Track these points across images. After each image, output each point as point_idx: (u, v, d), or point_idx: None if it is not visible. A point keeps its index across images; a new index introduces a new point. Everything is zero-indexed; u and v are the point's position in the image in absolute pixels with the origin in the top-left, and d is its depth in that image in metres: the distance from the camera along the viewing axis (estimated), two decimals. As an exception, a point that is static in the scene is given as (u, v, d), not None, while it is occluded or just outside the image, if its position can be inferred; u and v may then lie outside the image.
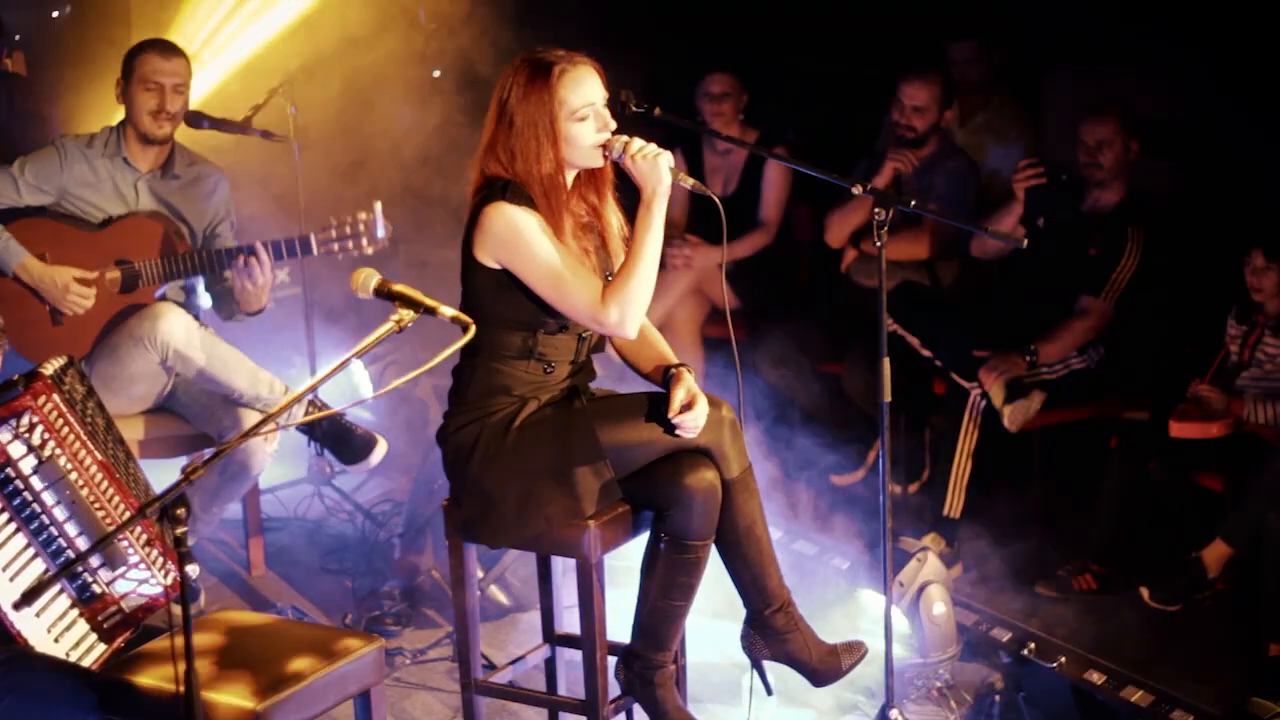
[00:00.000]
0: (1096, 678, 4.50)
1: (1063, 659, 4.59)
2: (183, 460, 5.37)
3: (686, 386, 3.85)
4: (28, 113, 6.35)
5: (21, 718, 3.47)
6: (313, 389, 3.34)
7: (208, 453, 5.30)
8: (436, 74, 7.16)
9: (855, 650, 4.08)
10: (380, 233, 5.10)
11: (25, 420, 3.66)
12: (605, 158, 3.84)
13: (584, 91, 3.80)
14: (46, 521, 3.68)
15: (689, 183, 3.86)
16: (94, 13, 6.50)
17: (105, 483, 3.75)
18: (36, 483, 3.68)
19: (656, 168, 3.78)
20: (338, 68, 6.61)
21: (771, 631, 4.02)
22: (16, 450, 3.66)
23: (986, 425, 5.57)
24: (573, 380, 3.95)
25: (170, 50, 5.32)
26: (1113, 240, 5.61)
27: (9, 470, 3.65)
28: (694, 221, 6.55)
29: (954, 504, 5.59)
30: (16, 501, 3.65)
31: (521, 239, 3.75)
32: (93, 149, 5.25)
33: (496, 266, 3.80)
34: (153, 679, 3.54)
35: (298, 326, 6.33)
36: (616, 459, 3.81)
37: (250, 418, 5.15)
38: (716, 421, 3.88)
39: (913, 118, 6.08)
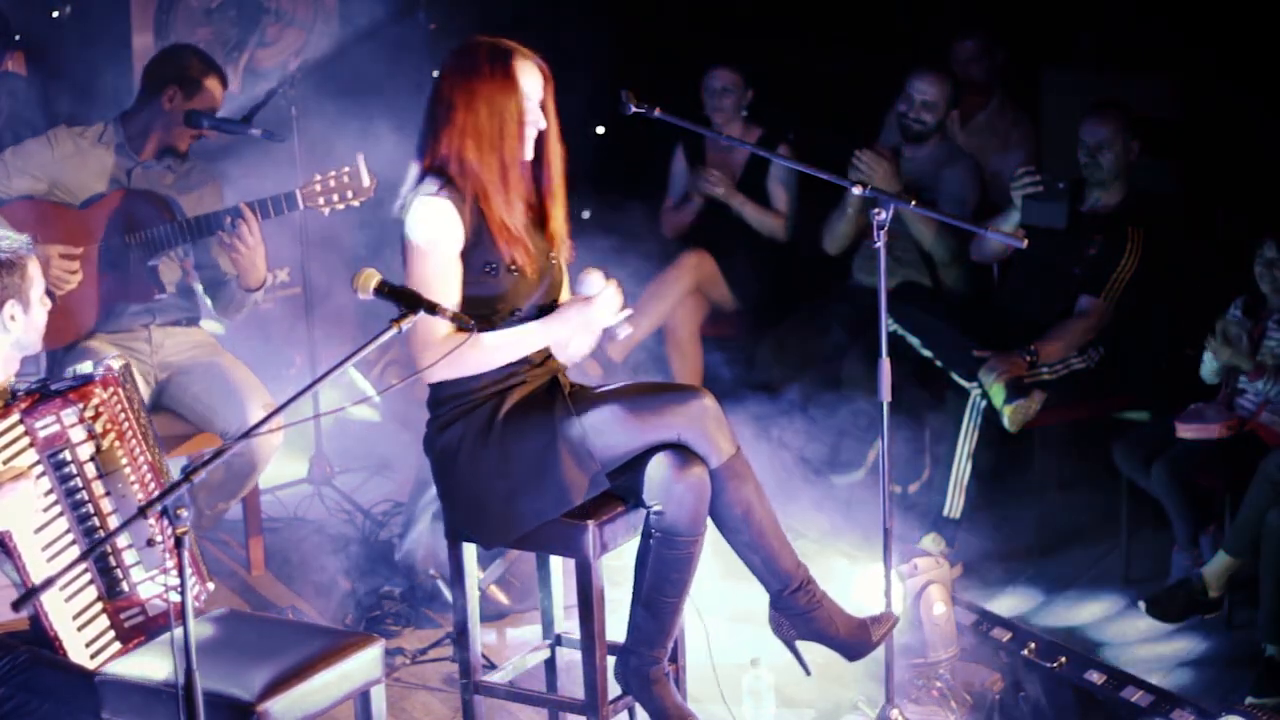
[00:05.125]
0: (1096, 678, 4.49)
1: (1063, 659, 4.59)
2: (183, 460, 5.37)
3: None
4: (27, 113, 6.34)
5: (26, 714, 3.48)
6: (313, 387, 3.34)
7: (207, 452, 5.29)
8: (436, 74, 7.16)
9: (884, 621, 4.07)
10: (365, 183, 5.07)
11: (92, 407, 3.68)
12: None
13: (531, 82, 3.85)
14: (91, 510, 3.69)
15: (623, 334, 3.96)
16: (94, 12, 6.50)
17: (154, 484, 3.76)
18: (90, 470, 3.69)
19: (587, 330, 3.89)
20: (338, 67, 6.62)
21: (795, 611, 4.00)
22: (77, 435, 3.67)
23: (986, 425, 5.57)
24: (543, 366, 3.95)
25: (224, 79, 5.37)
26: (1113, 241, 5.61)
27: (66, 453, 3.66)
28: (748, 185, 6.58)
29: (954, 504, 5.59)
30: (68, 485, 3.66)
31: (411, 240, 3.79)
32: (85, 139, 5.23)
33: None
34: (153, 678, 3.55)
35: (298, 326, 6.33)
36: (601, 449, 3.80)
37: (255, 415, 5.15)
38: (698, 411, 3.86)
39: (921, 112, 6.10)
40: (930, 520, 5.61)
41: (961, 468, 5.58)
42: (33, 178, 5.18)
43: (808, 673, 4.11)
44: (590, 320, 3.92)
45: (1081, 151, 5.66)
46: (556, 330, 3.91)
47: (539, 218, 3.98)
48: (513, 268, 3.86)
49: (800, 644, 4.07)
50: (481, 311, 3.83)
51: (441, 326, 3.74)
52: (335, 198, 5.08)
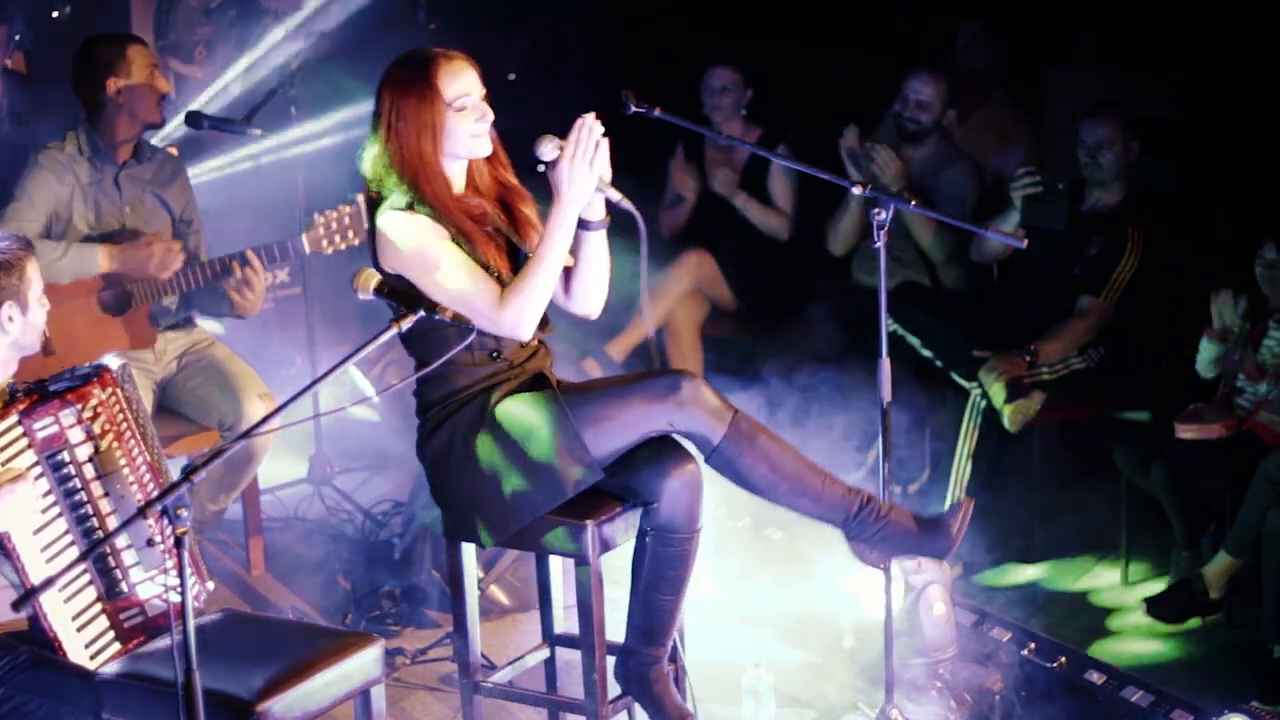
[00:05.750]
0: (1096, 678, 4.49)
1: (1063, 659, 4.59)
2: (183, 460, 5.37)
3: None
4: (26, 111, 6.35)
5: (26, 714, 3.48)
6: (313, 387, 3.34)
7: (207, 451, 5.30)
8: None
9: (959, 512, 3.98)
10: (366, 223, 5.09)
11: (90, 408, 3.68)
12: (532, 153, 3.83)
13: (460, 83, 3.82)
14: (90, 511, 3.69)
15: (614, 195, 3.84)
16: (94, 12, 6.49)
17: (152, 485, 3.76)
18: (89, 471, 3.69)
19: (589, 180, 3.78)
20: (338, 67, 6.62)
21: (869, 535, 3.94)
22: (76, 435, 3.67)
23: (986, 425, 5.56)
24: (529, 363, 3.94)
25: (138, 39, 5.40)
26: (1113, 241, 5.61)
27: (64, 454, 3.66)
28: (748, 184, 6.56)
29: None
30: (67, 485, 3.65)
31: (409, 247, 3.77)
32: (67, 154, 5.20)
33: (398, 272, 3.81)
34: (153, 678, 3.54)
35: (298, 326, 6.33)
36: (593, 442, 3.79)
37: (251, 406, 5.18)
38: (684, 396, 3.83)
39: (916, 111, 6.11)
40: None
41: (961, 468, 5.58)
42: (44, 213, 5.16)
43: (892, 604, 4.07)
44: (576, 176, 3.75)
45: (1081, 151, 5.66)
46: (567, 207, 3.78)
47: (508, 214, 3.97)
48: (489, 271, 3.84)
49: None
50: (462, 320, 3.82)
51: (491, 293, 3.75)
52: (337, 239, 5.13)
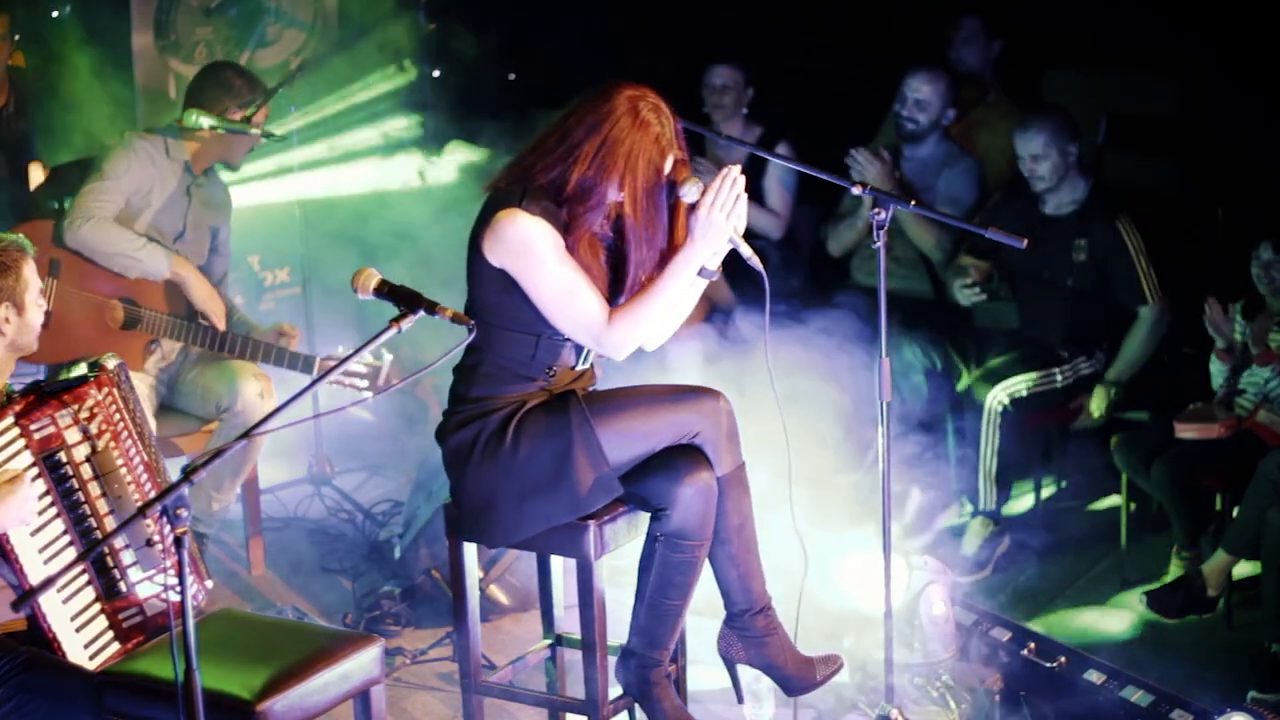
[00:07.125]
0: (1096, 678, 4.49)
1: (1063, 659, 4.59)
2: (185, 459, 5.37)
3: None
4: (27, 110, 6.35)
5: (26, 714, 3.48)
6: (313, 386, 3.34)
7: (207, 452, 5.30)
8: (436, 74, 7.17)
9: (831, 663, 4.08)
10: (383, 383, 5.13)
11: (87, 408, 3.67)
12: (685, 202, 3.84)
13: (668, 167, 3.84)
14: (87, 511, 3.68)
15: (745, 250, 3.86)
16: (94, 12, 6.50)
17: (149, 485, 3.76)
18: (86, 471, 3.69)
19: (724, 230, 3.79)
20: (337, 67, 6.63)
21: (751, 634, 4.00)
22: (73, 436, 3.67)
23: (1006, 425, 5.58)
24: (574, 384, 3.94)
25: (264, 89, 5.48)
26: (1106, 238, 5.60)
27: (62, 454, 3.65)
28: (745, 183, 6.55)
29: (987, 497, 5.62)
30: (64, 486, 3.65)
31: (533, 253, 3.74)
32: (156, 149, 5.26)
33: (502, 268, 3.80)
34: (154, 678, 3.54)
35: (298, 326, 6.32)
36: (614, 454, 3.80)
37: (246, 384, 5.20)
38: (718, 413, 3.87)
39: (914, 110, 6.11)
40: (971, 513, 5.68)
41: (989, 463, 5.62)
42: (124, 197, 5.20)
43: (740, 700, 4.12)
44: (712, 224, 3.78)
45: (1020, 165, 5.68)
46: (697, 253, 3.81)
47: (618, 235, 3.93)
48: None
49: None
50: (544, 331, 3.82)
51: (602, 312, 3.76)
52: (346, 381, 5.16)
